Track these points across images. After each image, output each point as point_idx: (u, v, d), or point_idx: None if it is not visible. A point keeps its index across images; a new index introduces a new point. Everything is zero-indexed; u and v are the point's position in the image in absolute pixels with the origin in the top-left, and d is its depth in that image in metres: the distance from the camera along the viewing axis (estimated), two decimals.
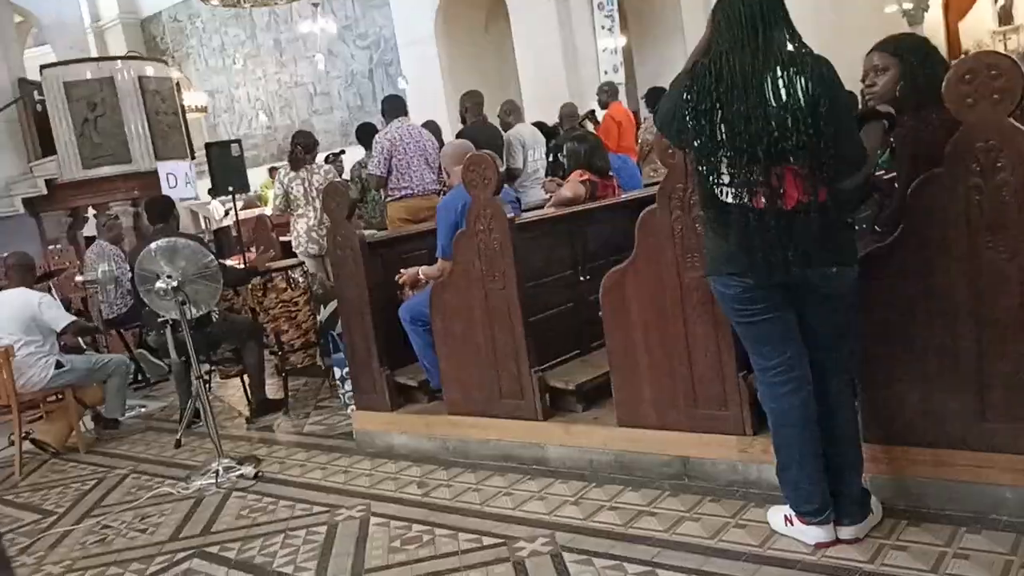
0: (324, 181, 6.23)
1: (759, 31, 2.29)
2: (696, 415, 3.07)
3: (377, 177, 5.96)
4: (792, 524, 2.56)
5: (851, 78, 2.85)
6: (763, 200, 2.27)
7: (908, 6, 15.33)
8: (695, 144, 2.36)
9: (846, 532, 2.50)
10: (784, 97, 2.24)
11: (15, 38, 10.16)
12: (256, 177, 13.11)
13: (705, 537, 2.70)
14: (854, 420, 2.56)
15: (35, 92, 9.16)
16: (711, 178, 2.36)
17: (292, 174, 6.35)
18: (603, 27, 11.86)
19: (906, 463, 2.65)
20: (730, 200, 2.33)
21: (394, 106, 6.17)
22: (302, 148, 6.35)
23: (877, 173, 2.88)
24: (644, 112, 8.84)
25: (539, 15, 11.44)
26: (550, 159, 6.71)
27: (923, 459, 2.62)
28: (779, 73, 2.26)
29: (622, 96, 10.07)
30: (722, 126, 2.30)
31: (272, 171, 13.88)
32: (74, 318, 5.21)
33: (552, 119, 7.94)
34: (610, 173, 4.41)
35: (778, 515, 2.64)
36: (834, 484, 2.51)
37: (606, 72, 11.66)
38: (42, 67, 9.17)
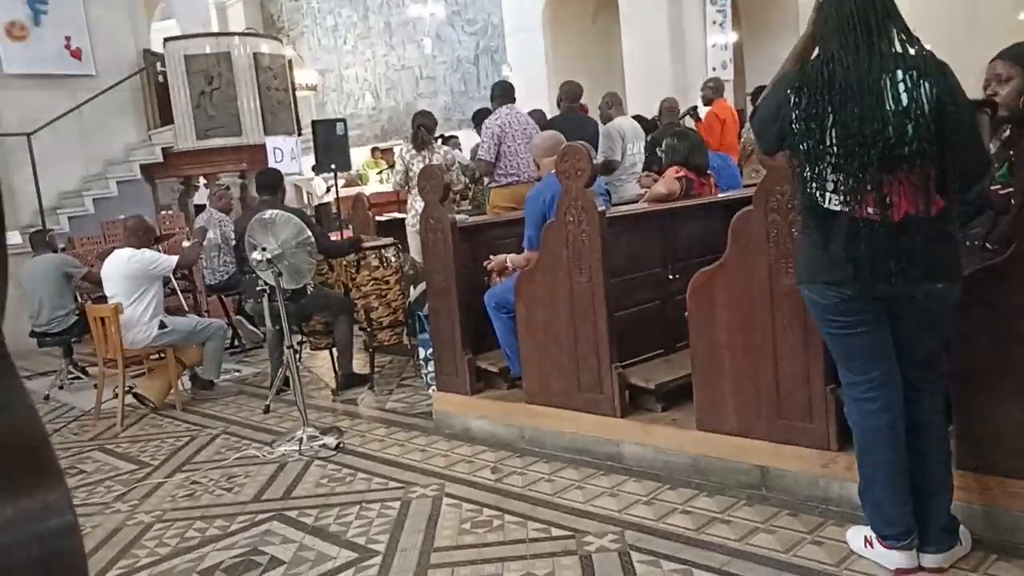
0: (443, 160, 6.34)
1: (872, 30, 2.19)
2: (778, 425, 2.99)
3: (487, 163, 5.88)
4: (872, 547, 2.47)
5: (980, 84, 2.71)
6: (871, 209, 2.17)
7: None
8: (802, 148, 2.26)
9: (930, 560, 2.40)
10: (906, 101, 2.14)
11: (143, 12, 10.67)
12: (359, 156, 13.44)
13: (779, 551, 2.64)
14: (945, 444, 2.44)
15: (158, 63, 9.62)
16: (815, 183, 2.25)
17: (413, 151, 6.46)
18: (714, 22, 11.60)
19: (1001, 495, 2.52)
20: (836, 207, 2.23)
21: (504, 91, 6.13)
22: (426, 129, 6.45)
23: (992, 187, 2.73)
24: (750, 111, 8.62)
25: (649, 7, 11.27)
26: (647, 153, 6.63)
27: (1019, 492, 2.48)
28: (900, 76, 2.15)
29: (729, 93, 9.85)
30: (833, 130, 2.19)
31: (374, 151, 14.22)
32: (177, 256, 5.46)
33: (655, 112, 7.84)
34: (708, 171, 4.32)
35: (858, 536, 2.55)
36: (920, 509, 2.40)
37: (714, 68, 11.40)
38: (166, 40, 9.63)
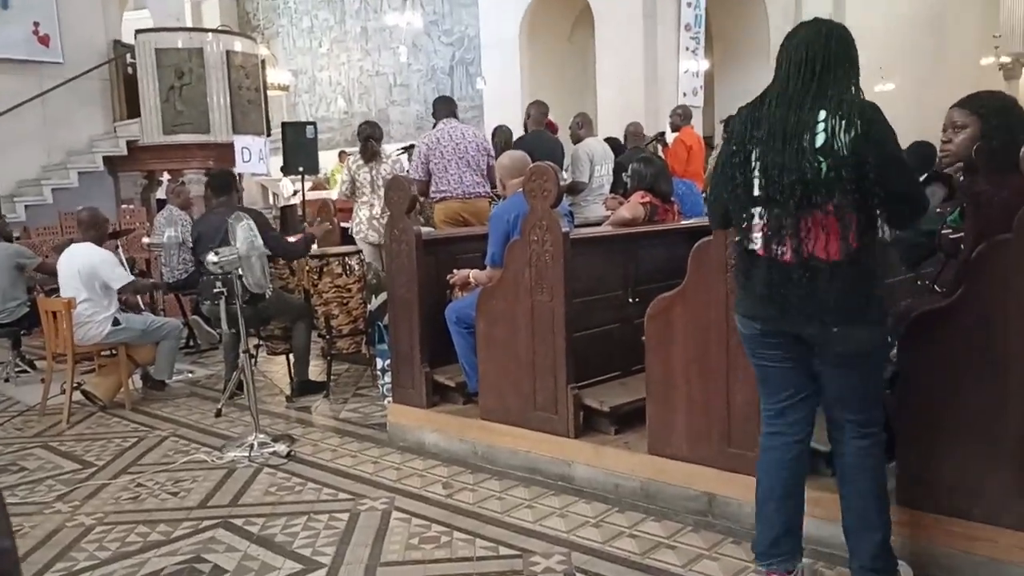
0: (391, 172, 6.32)
1: (816, 77, 2.23)
2: (728, 453, 3.03)
3: (418, 181, 5.93)
4: None
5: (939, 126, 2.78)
6: (788, 253, 2.24)
7: (1006, 60, 14.91)
8: (734, 191, 2.34)
9: None
10: (821, 142, 2.18)
11: (116, 1, 10.53)
12: (328, 159, 13.37)
13: None
14: (875, 482, 2.42)
15: (128, 55, 9.50)
16: (743, 223, 2.34)
17: (360, 162, 6.43)
18: (687, 48, 11.79)
19: (938, 532, 2.58)
20: (755, 246, 2.32)
21: (442, 107, 6.16)
22: (375, 141, 6.43)
23: (943, 231, 2.80)
24: (718, 139, 8.76)
25: (625, 29, 11.42)
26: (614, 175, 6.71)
27: (956, 531, 2.54)
28: (821, 116, 2.19)
29: (698, 120, 9.98)
30: (757, 176, 2.27)
31: (342, 155, 14.14)
32: (132, 278, 5.37)
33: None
34: (672, 199, 4.38)
35: None
36: (853, 544, 2.45)
37: (684, 94, 11.57)
38: (137, 31, 9.51)
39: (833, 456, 2.52)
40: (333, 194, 11.33)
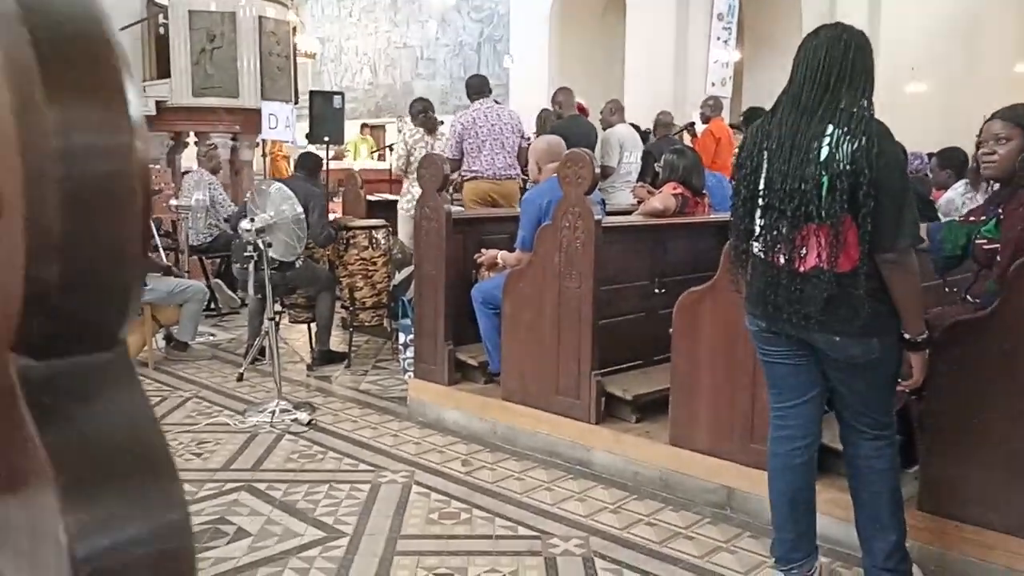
0: (443, 147, 6.38)
1: (829, 87, 2.22)
2: (749, 449, 3.06)
3: (450, 159, 5.96)
4: None
5: (972, 129, 2.77)
6: (782, 259, 2.27)
7: None
8: (740, 194, 2.38)
9: None
10: (825, 155, 2.18)
11: None
12: (350, 130, 13.37)
13: (739, 571, 2.71)
14: (887, 484, 2.43)
15: (160, 15, 9.49)
16: (743, 227, 2.38)
17: (418, 136, 6.44)
18: (719, 38, 11.68)
19: (956, 539, 2.61)
20: (755, 251, 2.36)
21: (475, 86, 6.14)
22: (433, 112, 6.52)
23: (979, 242, 2.80)
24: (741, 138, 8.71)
25: (657, 16, 11.32)
26: (642, 163, 6.71)
27: (974, 539, 2.57)
28: (829, 131, 2.19)
29: (726, 111, 9.93)
30: (763, 183, 2.30)
31: (364, 127, 14.13)
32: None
33: (651, 121, 7.92)
34: (703, 192, 4.38)
35: None
36: (866, 544, 2.48)
37: (713, 84, 11.49)
38: None
39: (845, 457, 2.53)
40: (356, 165, 11.35)
